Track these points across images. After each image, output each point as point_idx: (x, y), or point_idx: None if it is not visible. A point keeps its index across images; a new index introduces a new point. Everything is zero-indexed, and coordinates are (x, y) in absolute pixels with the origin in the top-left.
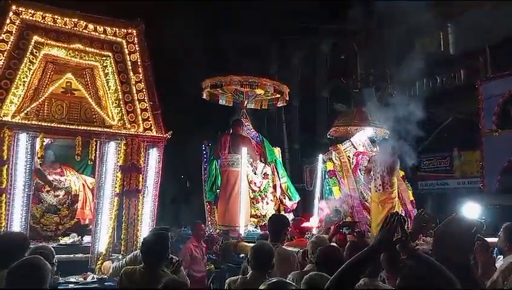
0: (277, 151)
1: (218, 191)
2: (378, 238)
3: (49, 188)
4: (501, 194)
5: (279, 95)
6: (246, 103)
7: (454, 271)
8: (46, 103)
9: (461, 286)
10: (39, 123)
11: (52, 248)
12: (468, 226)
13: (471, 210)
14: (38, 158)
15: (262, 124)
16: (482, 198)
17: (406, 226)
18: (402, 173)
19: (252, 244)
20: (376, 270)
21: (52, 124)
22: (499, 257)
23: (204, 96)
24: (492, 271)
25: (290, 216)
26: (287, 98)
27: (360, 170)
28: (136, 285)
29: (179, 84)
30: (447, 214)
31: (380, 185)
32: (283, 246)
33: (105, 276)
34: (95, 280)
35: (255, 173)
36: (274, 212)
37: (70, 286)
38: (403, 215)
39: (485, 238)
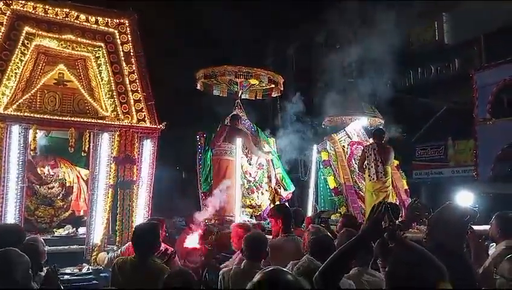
0: (272, 141)
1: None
2: (365, 227)
3: (40, 180)
4: (494, 182)
5: (273, 85)
6: (240, 93)
7: (448, 258)
8: (38, 95)
9: (454, 273)
10: (32, 115)
11: (42, 240)
12: (462, 214)
13: (465, 198)
14: (31, 150)
15: (257, 114)
16: (475, 186)
17: (399, 215)
18: (396, 163)
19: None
20: (367, 258)
21: (45, 116)
22: (491, 244)
23: (198, 87)
24: (484, 259)
25: None
26: (282, 88)
27: (354, 159)
28: (127, 275)
29: (173, 75)
30: (440, 203)
31: (374, 174)
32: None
33: (101, 267)
34: (91, 271)
35: (249, 164)
36: (269, 202)
37: (66, 277)
38: (397, 203)
39: (478, 226)
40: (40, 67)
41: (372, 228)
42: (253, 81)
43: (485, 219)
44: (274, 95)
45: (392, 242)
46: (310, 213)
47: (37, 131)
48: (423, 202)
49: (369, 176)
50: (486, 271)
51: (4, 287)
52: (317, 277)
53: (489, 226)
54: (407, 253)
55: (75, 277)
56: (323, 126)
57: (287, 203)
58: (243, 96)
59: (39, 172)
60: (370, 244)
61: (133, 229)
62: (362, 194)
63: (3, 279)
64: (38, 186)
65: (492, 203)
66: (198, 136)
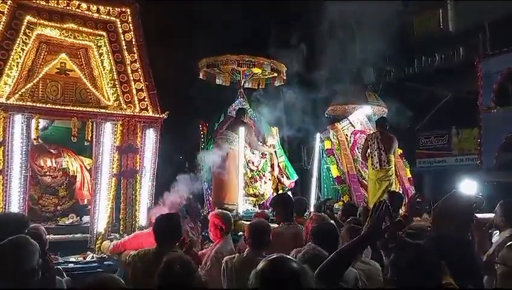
0: (275, 130)
1: None
2: (367, 227)
3: (46, 170)
4: (498, 171)
5: (276, 74)
6: (243, 82)
7: (453, 246)
8: (40, 84)
9: (460, 261)
10: (34, 104)
11: (44, 228)
12: (467, 202)
13: (468, 187)
14: (34, 139)
15: (260, 103)
16: (479, 175)
17: (403, 203)
18: (400, 151)
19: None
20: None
21: (47, 105)
22: (495, 232)
23: (201, 76)
24: (488, 247)
25: None
26: (285, 77)
27: (357, 148)
28: (150, 267)
29: (175, 64)
30: (444, 192)
31: (377, 162)
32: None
33: (105, 255)
34: (95, 259)
35: (253, 153)
36: (272, 191)
37: (70, 265)
38: (400, 192)
39: (482, 214)
40: (41, 56)
41: (373, 229)
42: (256, 70)
43: (489, 207)
44: (277, 84)
45: (392, 242)
46: (312, 202)
47: (39, 120)
48: (425, 195)
49: (372, 164)
50: (490, 259)
51: (24, 274)
52: (317, 277)
53: (493, 214)
54: (407, 252)
55: (79, 265)
56: (326, 115)
57: (290, 192)
58: (245, 85)
59: (42, 162)
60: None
61: (155, 220)
62: (365, 182)
63: (21, 266)
64: (42, 176)
65: (496, 192)
66: (200, 126)
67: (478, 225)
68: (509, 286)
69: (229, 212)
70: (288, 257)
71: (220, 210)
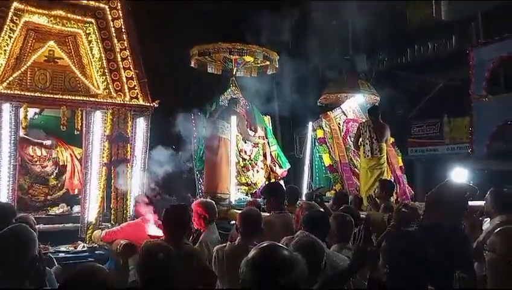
0: (267, 119)
1: None
2: (351, 263)
3: (36, 159)
4: (489, 159)
5: (268, 63)
6: (235, 70)
7: (446, 234)
8: (29, 72)
9: (453, 249)
10: (22, 93)
11: (33, 218)
12: (460, 191)
13: (459, 175)
14: (23, 128)
15: (252, 92)
16: (470, 163)
17: (394, 191)
18: (392, 140)
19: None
20: (346, 234)
21: (36, 94)
22: (485, 219)
23: (192, 65)
24: (479, 234)
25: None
26: (277, 66)
27: (350, 137)
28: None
29: (166, 52)
30: (435, 180)
31: (368, 150)
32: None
33: (96, 245)
34: (86, 249)
35: (245, 142)
36: (264, 180)
37: (61, 255)
38: (392, 180)
39: (473, 202)
40: (29, 44)
41: (358, 263)
42: (248, 58)
43: (479, 194)
44: (269, 72)
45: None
46: (305, 191)
47: (28, 109)
48: (412, 205)
49: (364, 152)
50: (479, 246)
51: (26, 263)
52: None
53: (483, 201)
54: (402, 233)
55: (70, 255)
56: (318, 104)
57: (282, 181)
58: (238, 74)
59: (31, 152)
60: (350, 221)
61: (164, 212)
62: (357, 171)
63: (23, 255)
64: (32, 165)
65: (487, 180)
66: (192, 115)
67: (469, 212)
68: (498, 272)
69: (212, 201)
70: (279, 244)
71: (202, 199)
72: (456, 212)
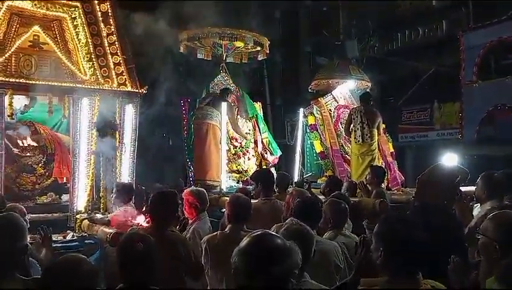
0: (258, 106)
1: None
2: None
3: (23, 148)
4: (479, 144)
5: (259, 48)
6: (225, 56)
7: (438, 215)
8: (13, 58)
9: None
10: (7, 79)
11: (23, 207)
12: (451, 174)
13: (449, 160)
14: (8, 116)
15: (243, 78)
16: (460, 149)
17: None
18: (383, 126)
19: None
20: (341, 220)
21: (21, 80)
22: (475, 205)
23: (181, 50)
24: (469, 219)
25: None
26: (268, 51)
27: (341, 123)
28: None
29: (155, 37)
30: (426, 166)
31: (359, 136)
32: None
33: (85, 234)
34: (75, 238)
35: None
36: (256, 167)
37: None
38: (383, 166)
39: (463, 187)
40: (13, 29)
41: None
42: (238, 44)
43: (470, 180)
44: (260, 58)
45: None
46: (296, 178)
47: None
48: (386, 203)
49: (354, 138)
50: (471, 231)
51: (18, 251)
52: None
53: (474, 187)
54: (396, 217)
55: (59, 244)
56: (309, 90)
57: (273, 168)
58: (227, 60)
59: (18, 140)
60: (345, 208)
61: (150, 199)
62: (348, 157)
63: (15, 242)
64: (19, 153)
65: (477, 165)
66: (182, 101)
67: (460, 197)
68: (488, 255)
69: (203, 189)
70: (272, 233)
71: (193, 188)
72: (448, 194)
